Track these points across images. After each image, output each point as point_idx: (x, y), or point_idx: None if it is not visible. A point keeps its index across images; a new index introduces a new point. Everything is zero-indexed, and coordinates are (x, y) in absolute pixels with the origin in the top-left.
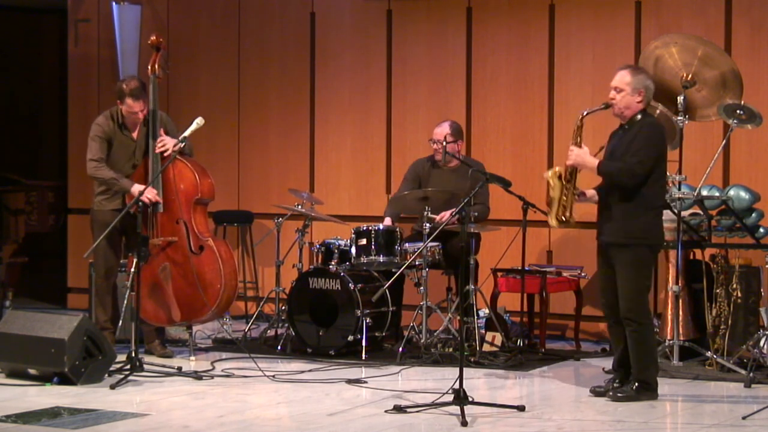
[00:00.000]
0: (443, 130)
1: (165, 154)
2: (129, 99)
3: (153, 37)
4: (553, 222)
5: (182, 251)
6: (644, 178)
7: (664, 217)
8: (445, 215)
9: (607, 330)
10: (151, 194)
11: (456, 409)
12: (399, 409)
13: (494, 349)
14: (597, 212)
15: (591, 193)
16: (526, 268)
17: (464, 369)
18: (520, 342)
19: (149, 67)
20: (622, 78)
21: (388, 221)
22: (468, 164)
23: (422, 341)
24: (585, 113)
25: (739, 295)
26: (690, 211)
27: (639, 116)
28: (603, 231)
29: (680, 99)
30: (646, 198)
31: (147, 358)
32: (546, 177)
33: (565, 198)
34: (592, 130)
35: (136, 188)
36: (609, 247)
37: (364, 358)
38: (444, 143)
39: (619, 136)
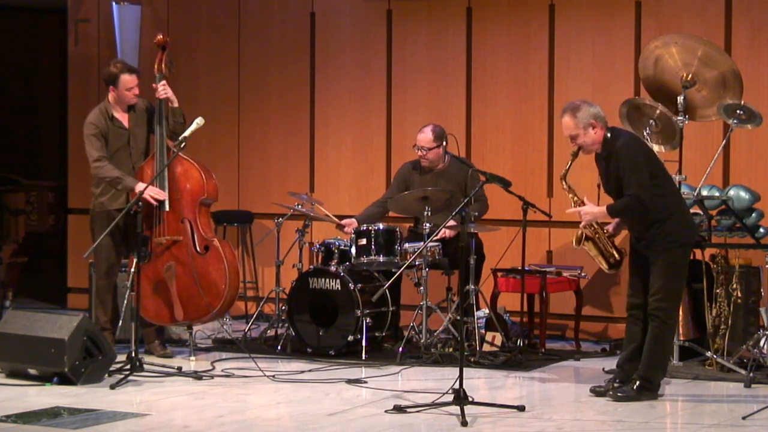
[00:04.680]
0: (426, 136)
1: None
2: (125, 75)
3: (159, 36)
4: (608, 270)
5: (188, 251)
6: (650, 195)
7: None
8: (446, 231)
9: (617, 328)
10: (154, 192)
11: (456, 409)
12: (399, 409)
13: (494, 349)
14: (628, 229)
15: (616, 224)
16: (526, 268)
17: (464, 369)
18: (520, 342)
19: (155, 66)
20: (568, 125)
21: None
22: (466, 164)
23: (422, 341)
24: (563, 176)
25: (739, 295)
26: (690, 211)
27: (608, 135)
28: (639, 244)
29: (680, 99)
30: (660, 203)
31: (147, 358)
32: (575, 247)
33: (604, 246)
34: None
35: (140, 186)
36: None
37: (364, 358)
38: (422, 153)
39: (603, 163)
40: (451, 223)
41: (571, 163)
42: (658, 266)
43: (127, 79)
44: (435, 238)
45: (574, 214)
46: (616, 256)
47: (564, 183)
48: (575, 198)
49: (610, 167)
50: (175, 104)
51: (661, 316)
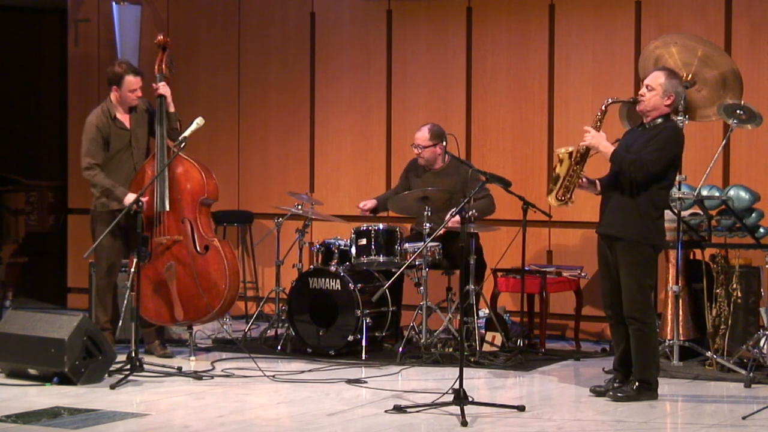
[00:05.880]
0: (422, 134)
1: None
2: (130, 76)
3: (160, 37)
4: (552, 200)
5: (188, 250)
6: (653, 176)
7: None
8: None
9: (609, 330)
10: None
11: (456, 409)
12: (399, 409)
13: (494, 349)
14: (600, 204)
15: (595, 182)
16: (526, 268)
17: (464, 369)
18: (520, 342)
19: (156, 66)
20: (656, 78)
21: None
22: (466, 164)
23: (422, 341)
24: (610, 101)
25: (739, 295)
26: (690, 211)
27: (660, 120)
28: (606, 222)
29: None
30: (653, 199)
31: (147, 358)
32: (557, 152)
33: (569, 178)
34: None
35: (129, 198)
36: (611, 244)
37: (364, 358)
38: (418, 151)
39: (636, 134)
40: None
41: (625, 101)
42: (624, 265)
43: (132, 81)
44: (440, 233)
45: (582, 139)
46: (568, 196)
47: (605, 107)
48: (599, 124)
49: (643, 137)
50: (171, 109)
51: (639, 317)
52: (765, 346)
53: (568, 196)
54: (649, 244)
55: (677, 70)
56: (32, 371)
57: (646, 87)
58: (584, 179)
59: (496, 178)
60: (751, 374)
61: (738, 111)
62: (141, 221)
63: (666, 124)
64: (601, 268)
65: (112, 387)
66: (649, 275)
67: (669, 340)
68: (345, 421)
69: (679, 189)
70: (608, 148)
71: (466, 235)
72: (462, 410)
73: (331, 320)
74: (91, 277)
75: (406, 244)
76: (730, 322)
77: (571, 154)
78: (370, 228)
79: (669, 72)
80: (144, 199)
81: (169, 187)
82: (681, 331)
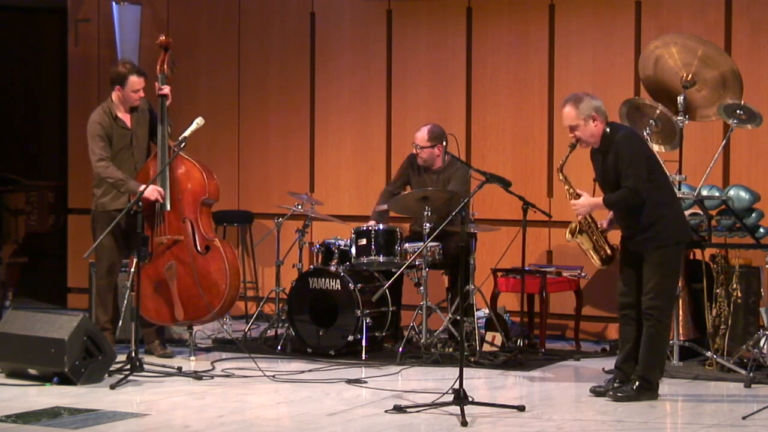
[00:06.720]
0: (422, 135)
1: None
2: (134, 76)
3: (162, 38)
4: (600, 265)
5: (188, 250)
6: (648, 189)
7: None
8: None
9: (608, 329)
10: (153, 192)
11: (456, 409)
12: (399, 409)
13: (494, 349)
14: (620, 227)
15: (609, 220)
16: (526, 268)
17: (464, 369)
18: (520, 342)
19: (158, 67)
20: (569, 115)
21: (372, 223)
22: (466, 165)
23: (422, 341)
24: (560, 167)
25: (739, 295)
26: (690, 211)
27: (607, 130)
28: (632, 242)
29: (680, 99)
30: (654, 201)
31: (147, 358)
32: (569, 240)
33: (597, 241)
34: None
35: (143, 187)
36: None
37: (364, 358)
38: (417, 151)
39: (599, 155)
40: None
41: (568, 155)
42: (651, 264)
43: (135, 81)
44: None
45: (574, 214)
46: (608, 251)
47: (560, 174)
48: (570, 190)
49: (608, 161)
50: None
51: (656, 315)
52: (765, 346)
53: (609, 250)
54: (672, 243)
55: (677, 70)
56: (32, 371)
57: (570, 129)
58: (605, 227)
59: (496, 178)
60: (751, 374)
61: (738, 111)
62: (141, 221)
63: (616, 135)
64: (623, 265)
65: (112, 387)
66: (673, 275)
67: (669, 340)
68: (345, 421)
69: (679, 189)
70: (599, 203)
71: (466, 235)
72: (462, 410)
73: (331, 320)
74: (91, 277)
75: (406, 244)
76: (730, 322)
77: (581, 230)
78: (370, 228)
79: (573, 101)
80: (154, 196)
81: (170, 187)
82: (681, 331)
